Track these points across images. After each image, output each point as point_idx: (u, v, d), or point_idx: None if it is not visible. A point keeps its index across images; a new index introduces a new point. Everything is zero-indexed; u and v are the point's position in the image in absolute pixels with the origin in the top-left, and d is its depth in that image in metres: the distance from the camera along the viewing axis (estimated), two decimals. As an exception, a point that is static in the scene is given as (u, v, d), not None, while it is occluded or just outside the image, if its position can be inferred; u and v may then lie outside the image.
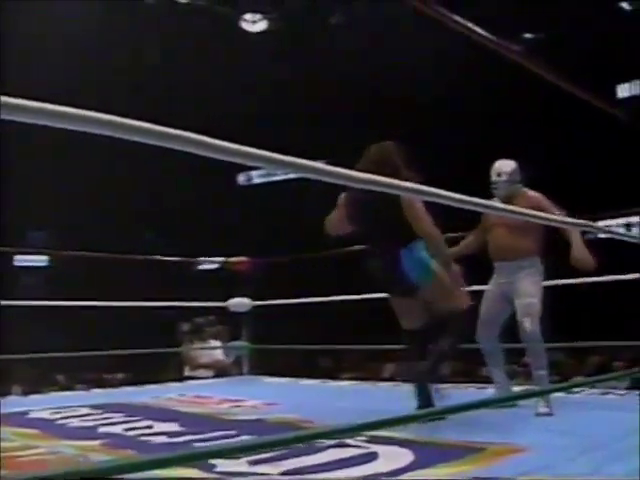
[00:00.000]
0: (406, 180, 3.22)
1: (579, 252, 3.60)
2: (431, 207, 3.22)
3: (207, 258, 9.00)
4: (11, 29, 9.79)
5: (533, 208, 3.23)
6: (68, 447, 2.79)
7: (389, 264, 3.36)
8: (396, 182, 1.63)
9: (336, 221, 3.56)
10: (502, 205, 2.56)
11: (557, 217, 2.08)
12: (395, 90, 13.34)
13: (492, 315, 3.75)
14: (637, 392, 4.58)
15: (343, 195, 3.50)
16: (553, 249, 3.74)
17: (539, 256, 3.77)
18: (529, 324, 3.59)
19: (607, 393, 4.13)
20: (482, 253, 3.92)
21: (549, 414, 3.37)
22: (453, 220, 3.45)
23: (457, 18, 1.58)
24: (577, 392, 3.99)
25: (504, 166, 3.81)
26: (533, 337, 3.60)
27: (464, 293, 3.46)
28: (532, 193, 3.79)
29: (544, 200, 3.71)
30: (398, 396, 3.23)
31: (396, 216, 3.28)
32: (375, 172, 3.29)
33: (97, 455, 2.63)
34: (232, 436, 2.96)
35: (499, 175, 3.79)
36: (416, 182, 3.18)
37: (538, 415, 3.36)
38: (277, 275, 9.51)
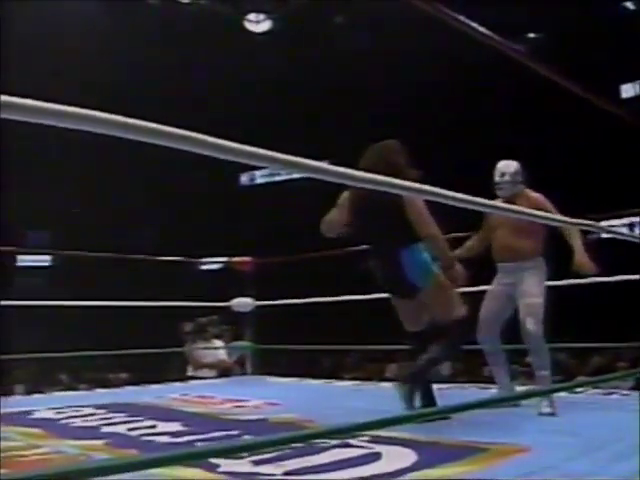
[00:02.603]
0: (409, 179, 3.25)
1: (581, 258, 3.62)
2: (433, 208, 3.22)
3: (210, 258, 9.00)
4: (10, 29, 9.78)
5: (535, 209, 3.24)
6: (71, 447, 2.79)
7: (390, 264, 3.35)
8: (398, 181, 1.63)
9: (334, 221, 3.54)
10: (505, 205, 2.57)
11: (560, 217, 2.08)
12: (399, 90, 13.35)
13: (494, 314, 3.76)
14: (638, 392, 4.59)
15: (345, 194, 3.50)
16: (556, 250, 3.75)
17: (543, 256, 3.78)
18: (532, 324, 3.59)
19: (610, 393, 4.12)
20: (486, 254, 3.93)
21: (552, 414, 3.36)
22: (456, 220, 3.45)
23: (459, 17, 1.58)
24: (580, 392, 3.98)
25: (507, 167, 3.82)
26: (535, 337, 3.60)
27: (461, 302, 3.41)
28: (534, 194, 3.80)
29: (546, 201, 3.73)
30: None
31: (398, 216, 3.27)
32: (377, 171, 3.31)
33: (100, 455, 2.63)
34: (235, 436, 2.97)
35: (502, 175, 3.80)
36: (419, 181, 3.21)
37: (541, 415, 3.36)
38: (280, 275, 9.52)
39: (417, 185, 1.68)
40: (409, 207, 3.25)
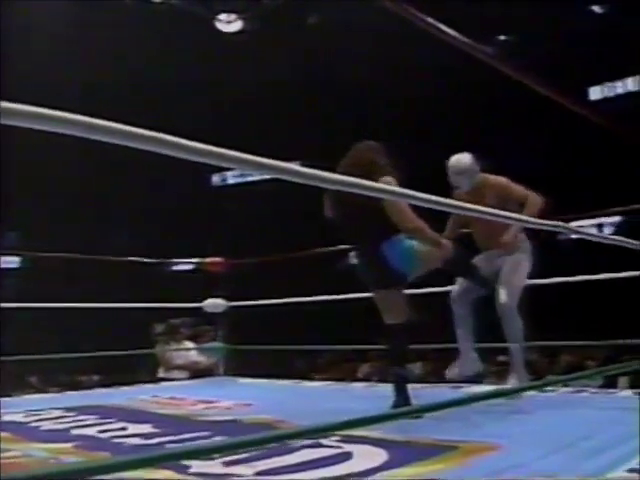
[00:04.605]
0: (380, 177, 3.28)
1: (507, 237, 3.66)
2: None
3: (182, 259, 8.95)
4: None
5: (500, 194, 3.29)
6: (40, 450, 2.76)
7: (373, 258, 3.37)
8: (368, 183, 1.63)
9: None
10: (474, 206, 2.56)
11: (529, 217, 2.10)
12: (373, 90, 13.37)
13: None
14: (609, 390, 4.65)
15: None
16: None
17: (524, 235, 3.78)
18: (505, 296, 3.62)
19: (580, 392, 4.17)
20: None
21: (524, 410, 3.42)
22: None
23: (429, 20, 1.59)
24: (550, 391, 4.02)
25: (460, 162, 3.76)
26: (509, 308, 3.63)
27: (447, 242, 3.48)
28: (496, 179, 3.77)
29: (509, 183, 3.73)
30: (372, 396, 3.25)
31: (378, 211, 3.28)
32: (356, 172, 3.34)
33: (70, 458, 2.61)
34: (206, 437, 2.95)
35: (459, 173, 3.75)
36: (399, 181, 3.26)
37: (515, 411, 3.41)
38: (253, 276, 9.50)
39: (384, 186, 1.68)
40: (388, 205, 3.26)
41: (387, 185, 3.24)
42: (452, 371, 3.91)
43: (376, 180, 3.23)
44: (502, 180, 3.76)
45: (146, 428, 3.26)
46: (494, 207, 3.47)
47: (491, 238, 3.74)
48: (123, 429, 3.27)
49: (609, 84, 13.68)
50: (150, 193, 15.89)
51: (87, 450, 2.75)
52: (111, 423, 3.44)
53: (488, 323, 3.81)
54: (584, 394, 4.10)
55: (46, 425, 3.47)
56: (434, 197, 1.82)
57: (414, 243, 3.38)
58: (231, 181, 17.61)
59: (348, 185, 1.61)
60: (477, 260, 3.82)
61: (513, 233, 3.66)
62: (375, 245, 3.35)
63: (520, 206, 3.63)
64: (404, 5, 1.57)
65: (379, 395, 3.21)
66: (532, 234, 3.78)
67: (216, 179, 17.95)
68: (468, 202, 2.67)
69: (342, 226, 3.52)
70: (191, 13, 13.84)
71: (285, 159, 1.50)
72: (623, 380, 6.57)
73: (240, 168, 1.38)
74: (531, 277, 3.89)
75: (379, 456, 2.47)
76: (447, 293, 3.91)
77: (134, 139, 1.16)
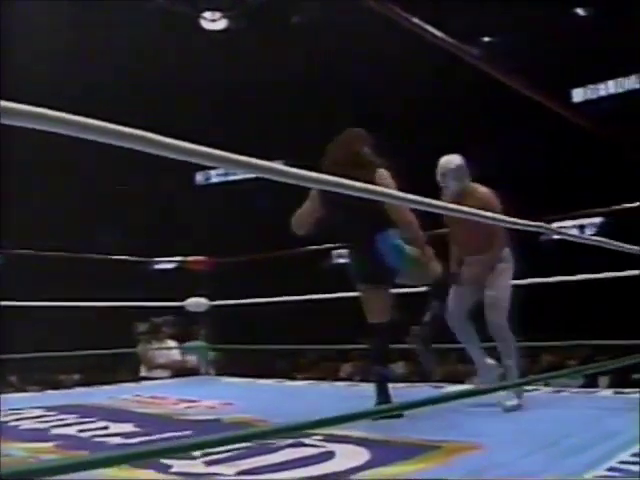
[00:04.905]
0: (378, 167, 3.30)
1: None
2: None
3: (165, 258, 8.91)
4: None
5: (482, 206, 3.26)
6: (19, 449, 2.74)
7: (365, 250, 3.36)
8: (348, 182, 1.62)
9: (305, 214, 3.52)
10: (455, 206, 2.55)
11: (510, 218, 2.11)
12: (359, 89, 13.38)
13: (462, 295, 3.73)
14: (590, 390, 4.69)
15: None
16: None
17: (507, 247, 3.73)
18: (495, 316, 3.60)
19: (560, 391, 4.20)
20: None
21: (517, 406, 3.44)
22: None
23: (414, 20, 1.59)
24: (532, 390, 4.05)
25: (449, 163, 3.70)
26: (500, 327, 3.61)
27: (438, 264, 3.51)
28: (482, 190, 3.71)
29: (492, 198, 3.65)
30: (354, 395, 3.25)
31: (370, 203, 3.27)
32: (343, 161, 3.35)
33: (49, 457, 2.59)
34: (188, 436, 2.94)
35: (445, 174, 3.69)
36: (386, 168, 3.28)
37: (507, 410, 3.42)
38: (236, 274, 9.46)
39: (368, 186, 1.68)
40: None
41: (383, 179, 3.31)
42: (473, 382, 3.90)
43: (368, 173, 3.27)
44: (488, 196, 3.68)
45: (127, 427, 3.25)
46: (472, 220, 3.47)
47: (472, 247, 3.71)
48: (104, 428, 3.25)
49: (592, 86, 13.78)
50: (134, 191, 15.81)
51: (67, 449, 2.73)
52: (92, 422, 3.42)
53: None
54: (565, 394, 4.13)
55: (26, 424, 3.44)
56: (419, 197, 1.82)
57: (406, 246, 3.39)
58: (215, 180, 17.54)
59: (333, 185, 1.61)
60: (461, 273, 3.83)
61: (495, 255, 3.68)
62: (369, 239, 3.33)
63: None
64: (389, 5, 1.57)
65: (361, 395, 3.21)
66: (515, 237, 3.77)
67: (200, 178, 17.88)
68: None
69: (335, 219, 3.48)
70: (175, 11, 13.78)
71: (268, 157, 1.49)
72: (603, 380, 6.63)
73: (223, 167, 1.38)
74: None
75: (361, 455, 2.48)
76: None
77: (123, 138, 1.15)
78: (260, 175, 1.45)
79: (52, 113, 1.08)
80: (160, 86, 14.41)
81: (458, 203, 3.16)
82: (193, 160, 1.30)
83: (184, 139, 1.29)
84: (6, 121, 1.03)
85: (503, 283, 3.67)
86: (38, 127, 1.09)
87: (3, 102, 1.01)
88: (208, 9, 14.13)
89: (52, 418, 3.60)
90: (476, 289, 3.69)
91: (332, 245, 3.74)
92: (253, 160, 1.38)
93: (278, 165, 1.50)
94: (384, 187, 3.19)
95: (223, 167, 1.42)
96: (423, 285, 3.63)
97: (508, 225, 2.13)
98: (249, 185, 14.37)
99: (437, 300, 3.61)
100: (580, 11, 13.64)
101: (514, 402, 3.46)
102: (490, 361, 3.81)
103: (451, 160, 3.73)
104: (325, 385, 5.56)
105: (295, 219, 3.55)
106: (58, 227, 14.31)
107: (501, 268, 3.68)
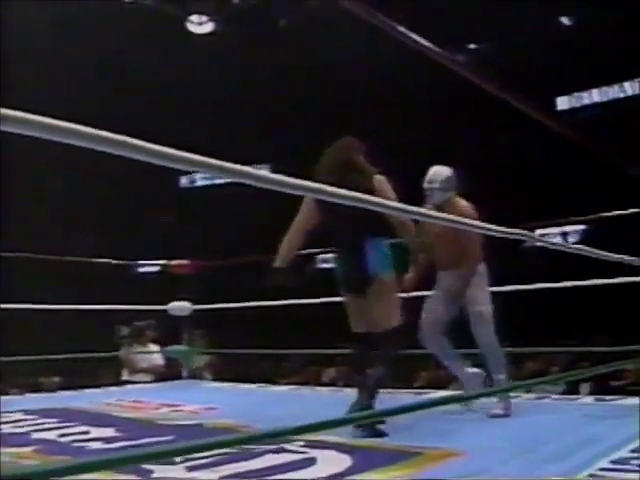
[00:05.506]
0: (372, 174, 3.32)
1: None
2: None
3: (148, 261, 8.87)
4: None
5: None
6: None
7: (353, 253, 3.34)
8: (330, 189, 1.62)
9: (301, 229, 3.48)
10: (436, 213, 2.54)
11: (492, 226, 2.12)
12: (346, 92, 13.39)
13: (437, 313, 3.68)
14: (571, 397, 4.71)
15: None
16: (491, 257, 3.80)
17: (482, 262, 3.76)
18: (484, 332, 3.63)
19: (543, 398, 4.22)
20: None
21: (506, 415, 3.46)
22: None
23: (399, 28, 1.60)
24: (514, 397, 4.06)
25: (437, 174, 3.75)
26: (489, 343, 3.64)
27: (399, 313, 3.41)
28: (463, 203, 3.74)
29: (473, 213, 3.65)
30: (337, 401, 3.24)
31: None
32: (342, 168, 3.36)
33: (29, 462, 2.57)
34: (169, 441, 2.92)
35: (431, 182, 3.73)
36: (380, 174, 3.30)
37: (493, 417, 3.43)
38: (219, 278, 9.45)
39: (350, 194, 1.67)
40: (379, 195, 3.21)
41: (382, 184, 3.32)
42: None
43: (367, 179, 3.32)
44: (468, 210, 3.68)
45: (109, 432, 3.23)
46: (450, 233, 3.45)
47: (449, 259, 3.70)
48: (85, 433, 3.23)
49: (576, 94, 13.89)
50: (118, 194, 15.74)
51: (47, 454, 2.71)
52: (73, 427, 3.40)
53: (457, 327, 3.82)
54: (546, 400, 4.15)
55: (5, 428, 3.40)
56: (405, 206, 1.82)
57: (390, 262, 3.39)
58: (200, 183, 17.50)
59: (312, 191, 1.61)
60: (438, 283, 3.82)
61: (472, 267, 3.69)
62: (359, 244, 3.32)
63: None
64: (375, 13, 1.58)
65: (344, 400, 3.20)
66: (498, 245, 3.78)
67: (184, 181, 17.84)
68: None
69: (329, 224, 3.46)
70: (162, 13, 13.75)
71: (254, 161, 1.49)
72: (585, 387, 6.66)
73: (207, 172, 1.37)
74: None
75: (343, 461, 2.48)
76: (413, 298, 3.91)
77: (103, 143, 1.14)
78: (245, 182, 1.44)
79: (50, 121, 1.08)
80: (144, 90, 14.36)
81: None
82: (173, 165, 1.28)
83: (168, 143, 1.29)
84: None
85: (485, 297, 3.71)
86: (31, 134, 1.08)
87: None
88: (195, 12, 14.10)
89: (32, 422, 3.57)
90: (452, 304, 3.69)
91: (317, 250, 3.72)
92: (236, 166, 1.37)
93: (255, 170, 1.48)
94: (383, 193, 3.26)
95: (206, 172, 1.41)
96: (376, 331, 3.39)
97: (490, 233, 2.13)
98: (234, 189, 14.32)
99: (383, 361, 3.32)
100: (565, 20, 13.76)
101: (499, 411, 3.48)
102: (471, 370, 3.83)
103: (440, 171, 3.77)
104: (308, 390, 5.55)
105: (283, 245, 3.50)
106: (40, 228, 14.22)
107: (479, 282, 3.72)
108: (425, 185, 3.76)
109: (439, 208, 3.60)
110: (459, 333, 3.79)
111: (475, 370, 3.81)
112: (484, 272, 3.77)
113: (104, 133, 1.13)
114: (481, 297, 3.69)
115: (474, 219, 3.58)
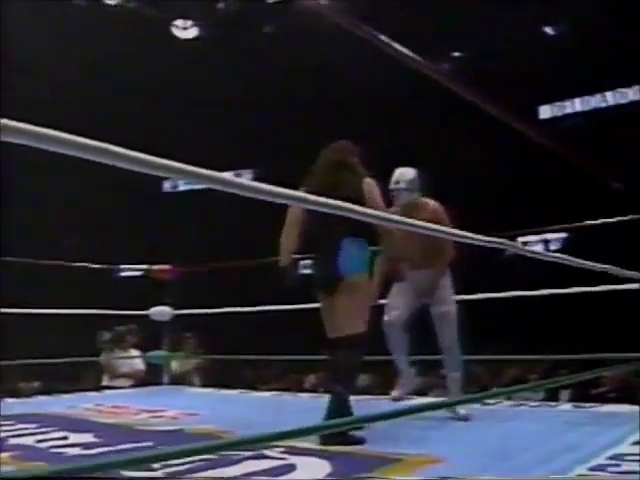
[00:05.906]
0: (363, 177, 3.34)
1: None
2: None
3: (129, 265, 8.82)
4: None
5: (433, 219, 3.33)
6: (-24, 460, 2.68)
7: (328, 253, 3.31)
8: (310, 197, 1.63)
9: (293, 232, 3.45)
10: (411, 220, 2.54)
11: (472, 234, 2.13)
12: (330, 96, 13.42)
13: (400, 304, 3.77)
14: (550, 403, 4.74)
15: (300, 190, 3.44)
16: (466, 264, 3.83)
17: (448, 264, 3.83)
18: (448, 330, 3.72)
19: (522, 405, 4.24)
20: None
21: (467, 419, 3.49)
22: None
23: (381, 36, 1.61)
24: (493, 404, 4.08)
25: (403, 174, 3.87)
26: (450, 343, 3.72)
27: (366, 320, 3.36)
28: (431, 203, 3.83)
29: (442, 212, 3.77)
30: (319, 407, 3.23)
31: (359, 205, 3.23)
32: (337, 167, 3.38)
33: (6, 468, 2.54)
34: (149, 447, 2.91)
35: (397, 183, 3.84)
36: (370, 178, 3.32)
37: (457, 419, 3.46)
38: (201, 284, 9.42)
39: (328, 200, 1.68)
40: (369, 201, 3.22)
41: (371, 187, 3.33)
42: (396, 392, 3.96)
43: (358, 180, 3.35)
44: (438, 210, 3.78)
45: (87, 437, 3.20)
46: (415, 233, 3.50)
47: (418, 260, 3.76)
48: (63, 438, 3.20)
49: (559, 103, 14.01)
50: (100, 198, 15.65)
51: (25, 460, 2.68)
52: (51, 432, 3.37)
53: (423, 335, 3.87)
54: (526, 407, 4.17)
55: (-18, 433, 3.38)
56: (377, 212, 1.83)
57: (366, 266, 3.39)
58: (182, 187, 17.44)
59: (292, 199, 1.61)
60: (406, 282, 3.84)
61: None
62: (338, 240, 3.29)
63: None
64: (358, 23, 1.59)
65: (324, 407, 3.19)
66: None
67: (167, 185, 17.79)
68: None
69: (313, 224, 3.39)
70: (146, 18, 13.72)
71: (238, 167, 1.49)
72: (565, 394, 6.71)
73: (185, 179, 1.37)
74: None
75: (323, 468, 2.47)
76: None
77: (84, 151, 1.14)
78: (224, 189, 1.44)
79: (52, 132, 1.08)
80: (129, 96, 14.32)
81: (408, 214, 3.22)
82: (154, 173, 1.29)
83: (152, 149, 1.29)
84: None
85: (451, 297, 3.81)
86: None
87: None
88: (179, 17, 14.09)
89: (9, 427, 3.53)
90: (416, 301, 3.78)
91: (300, 256, 3.71)
92: (216, 174, 1.38)
93: (234, 178, 1.49)
94: (371, 196, 3.30)
95: (183, 179, 1.41)
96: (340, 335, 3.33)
97: (471, 241, 2.14)
98: (217, 194, 14.28)
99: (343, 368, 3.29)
100: (549, 30, 13.88)
101: (463, 411, 3.53)
102: (411, 371, 3.94)
103: (406, 172, 3.89)
104: (289, 396, 5.54)
105: (283, 240, 3.47)
106: (25, 231, 14.11)
107: (445, 283, 3.81)
108: (392, 186, 3.85)
109: (406, 208, 3.71)
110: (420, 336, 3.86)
111: (412, 372, 3.94)
112: (448, 273, 3.85)
113: (84, 140, 1.12)
114: (446, 297, 3.78)
115: (445, 217, 3.69)
